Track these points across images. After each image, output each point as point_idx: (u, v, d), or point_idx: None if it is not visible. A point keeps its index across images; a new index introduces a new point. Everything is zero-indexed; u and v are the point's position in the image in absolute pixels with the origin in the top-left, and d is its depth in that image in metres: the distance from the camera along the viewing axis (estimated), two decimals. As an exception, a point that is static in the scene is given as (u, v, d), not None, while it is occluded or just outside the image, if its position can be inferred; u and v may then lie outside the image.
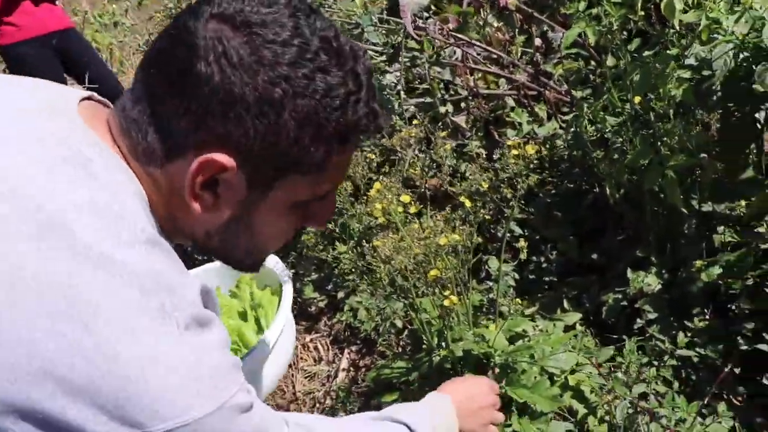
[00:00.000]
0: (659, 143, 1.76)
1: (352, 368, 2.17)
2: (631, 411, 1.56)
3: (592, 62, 2.08)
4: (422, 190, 1.66)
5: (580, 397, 1.65)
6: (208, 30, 0.77)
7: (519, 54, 2.41)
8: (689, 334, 1.73)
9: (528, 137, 2.27)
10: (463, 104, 2.44)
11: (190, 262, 1.80)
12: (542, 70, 2.33)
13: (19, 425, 0.70)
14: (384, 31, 2.33)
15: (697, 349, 1.73)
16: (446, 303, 1.47)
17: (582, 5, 1.77)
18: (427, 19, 2.31)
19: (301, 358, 2.25)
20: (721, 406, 1.53)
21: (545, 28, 2.42)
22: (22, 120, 0.80)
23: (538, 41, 2.41)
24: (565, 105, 2.37)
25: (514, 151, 1.48)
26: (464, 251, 1.52)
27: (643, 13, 1.73)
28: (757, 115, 1.65)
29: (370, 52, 2.26)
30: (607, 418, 1.62)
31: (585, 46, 2.06)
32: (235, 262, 0.97)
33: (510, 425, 1.54)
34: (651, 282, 1.86)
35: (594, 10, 1.76)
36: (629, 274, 1.88)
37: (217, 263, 1.68)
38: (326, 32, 0.80)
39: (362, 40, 2.27)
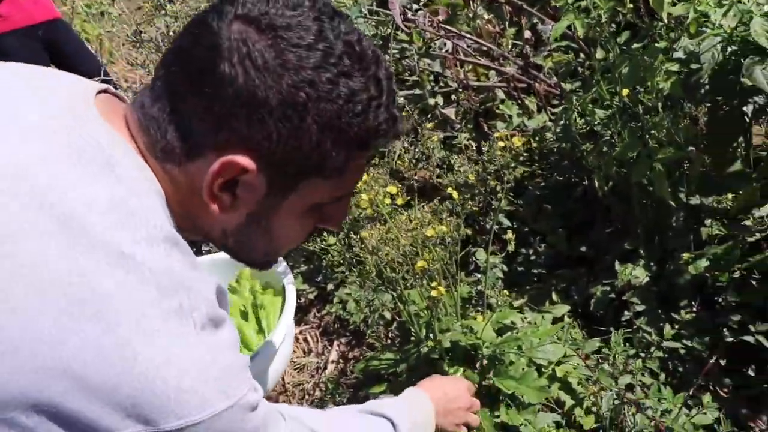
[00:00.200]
0: (647, 136, 1.76)
1: (341, 360, 2.17)
2: (617, 402, 1.57)
3: (582, 55, 2.08)
4: (411, 182, 1.66)
5: (568, 388, 1.66)
6: (232, 31, 0.76)
7: (509, 46, 2.40)
8: (676, 327, 1.74)
9: (518, 130, 2.27)
10: (453, 96, 2.44)
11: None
12: (532, 63, 2.33)
13: (32, 419, 0.70)
14: (373, 23, 2.32)
15: (684, 341, 1.74)
16: (434, 294, 1.47)
17: (571, -3, 1.77)
18: (416, 11, 2.31)
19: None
20: (707, 398, 1.54)
21: (535, 20, 2.42)
22: (41, 112, 0.79)
23: (527, 33, 2.41)
24: (554, 97, 2.37)
25: (501, 143, 1.48)
26: (452, 243, 1.52)
27: (631, 5, 1.74)
28: (744, 109, 1.66)
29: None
30: (593, 409, 1.63)
31: (574, 38, 2.06)
32: (249, 261, 0.98)
33: (498, 416, 1.55)
34: (639, 274, 1.86)
35: (583, 3, 1.75)
36: (617, 266, 1.89)
37: (218, 256, 1.68)
38: (350, 36, 0.80)
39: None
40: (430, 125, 2.03)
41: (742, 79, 1.55)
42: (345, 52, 0.78)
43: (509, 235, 1.59)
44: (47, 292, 0.69)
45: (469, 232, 2.18)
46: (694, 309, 1.78)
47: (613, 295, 1.92)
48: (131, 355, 0.70)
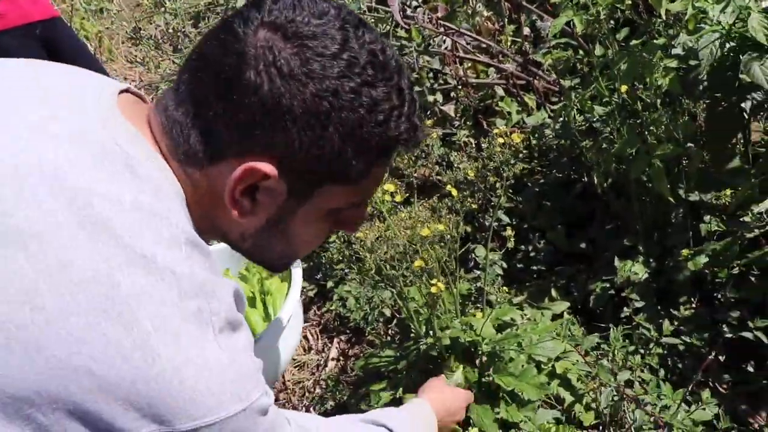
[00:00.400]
0: (646, 133, 1.76)
1: (341, 357, 2.18)
2: (616, 398, 1.57)
3: (581, 52, 2.08)
4: (410, 179, 1.66)
5: (567, 384, 1.66)
6: (258, 38, 0.77)
7: (508, 43, 2.41)
8: (675, 323, 1.74)
9: (517, 126, 2.27)
10: (452, 93, 2.44)
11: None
12: (531, 60, 2.33)
13: (49, 416, 0.71)
14: (372, 20, 2.32)
15: (683, 337, 1.74)
16: (433, 290, 1.47)
17: (570, -6, 1.77)
18: (415, 7, 2.31)
19: (291, 347, 2.25)
20: (706, 393, 1.55)
21: (534, 17, 2.42)
22: (66, 111, 0.80)
23: (526, 30, 2.41)
24: (554, 94, 2.37)
25: (500, 140, 1.49)
26: (451, 240, 1.52)
27: (630, 2, 1.74)
28: (743, 105, 1.66)
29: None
30: (593, 405, 1.64)
31: (573, 35, 2.06)
32: (266, 263, 0.99)
33: (498, 413, 1.55)
34: (638, 271, 1.87)
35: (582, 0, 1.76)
36: (617, 263, 1.90)
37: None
38: (374, 45, 0.80)
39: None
40: (429, 122, 2.03)
41: (741, 76, 1.56)
42: (369, 61, 0.79)
43: (509, 231, 1.59)
44: (72, 292, 0.70)
45: (469, 229, 2.19)
46: (693, 305, 1.78)
47: (612, 292, 1.93)
48: (150, 356, 0.71)
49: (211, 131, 0.79)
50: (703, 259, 1.77)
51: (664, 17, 1.68)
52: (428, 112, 2.35)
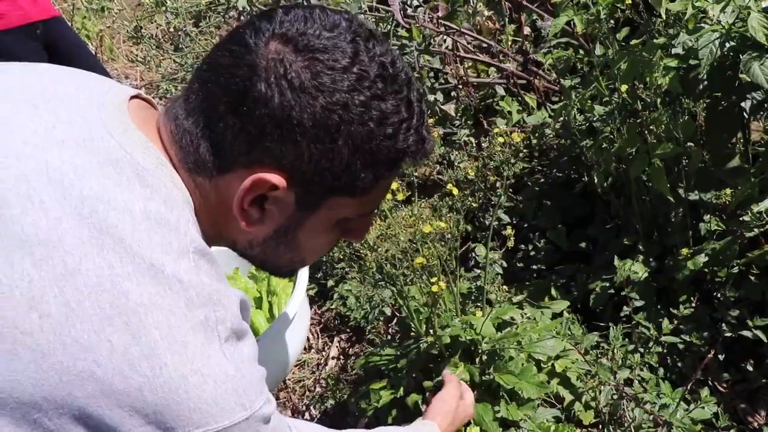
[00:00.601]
0: (646, 132, 1.77)
1: (341, 356, 2.18)
2: (615, 397, 1.58)
3: (581, 51, 2.08)
4: (411, 178, 1.67)
5: (567, 383, 1.66)
6: (269, 50, 0.77)
7: (509, 43, 2.41)
8: (675, 322, 1.74)
9: (517, 126, 2.28)
10: (453, 93, 2.45)
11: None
12: (532, 59, 2.34)
13: (54, 421, 0.72)
14: (373, 19, 2.33)
15: (683, 336, 1.75)
16: (434, 289, 1.48)
17: (570, -6, 1.77)
18: (416, 7, 2.31)
19: (291, 346, 2.26)
20: (705, 392, 1.55)
21: (535, 17, 2.42)
22: (74, 117, 0.80)
23: (527, 30, 2.41)
24: (554, 94, 2.37)
25: (500, 139, 1.49)
26: (452, 239, 1.53)
27: (630, 1, 1.74)
28: (743, 105, 1.66)
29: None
30: (593, 404, 1.64)
31: (574, 35, 2.06)
32: (273, 270, 1.00)
33: (498, 411, 1.56)
34: (638, 270, 1.87)
35: (582, -1, 1.76)
36: (616, 262, 1.90)
37: None
38: (384, 58, 0.80)
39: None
40: (430, 120, 2.03)
41: (741, 75, 1.56)
42: (379, 74, 0.79)
43: (509, 231, 1.59)
44: (77, 299, 0.71)
45: (469, 228, 2.19)
46: (693, 304, 1.78)
47: (612, 291, 1.93)
48: (157, 364, 0.72)
49: (221, 142, 0.80)
50: (702, 259, 1.77)
51: (664, 17, 1.68)
52: (429, 112, 2.35)
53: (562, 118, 2.02)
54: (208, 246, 0.81)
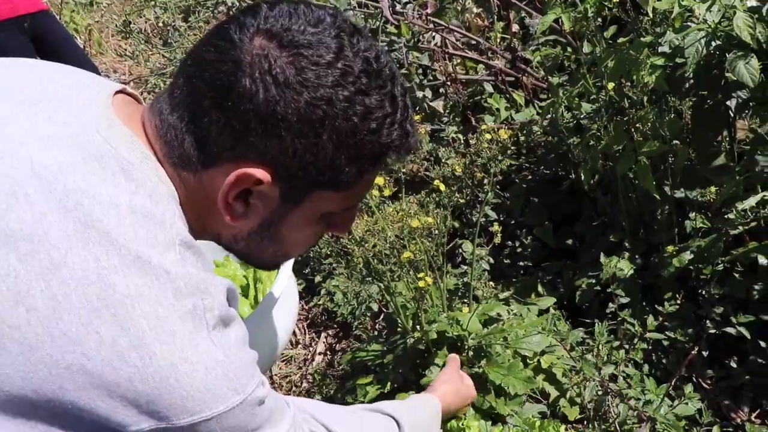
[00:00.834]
0: (633, 130, 1.78)
1: (328, 352, 2.18)
2: (600, 392, 1.59)
3: (569, 49, 2.09)
4: (399, 174, 1.67)
5: (552, 379, 1.67)
6: (254, 46, 0.77)
7: (498, 40, 2.41)
8: (660, 318, 1.76)
9: (505, 123, 2.28)
10: (441, 89, 2.45)
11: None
12: (520, 56, 2.35)
13: (46, 415, 0.73)
14: (362, 15, 2.33)
15: (667, 333, 1.76)
16: (420, 284, 1.48)
17: (558, -9, 1.78)
18: (405, 3, 2.31)
19: (278, 342, 2.25)
20: (689, 388, 1.56)
21: (523, 14, 2.43)
22: (60, 112, 0.80)
23: (515, 27, 2.42)
24: (542, 91, 2.38)
25: (487, 136, 1.49)
26: (439, 235, 1.53)
27: (617, 0, 1.75)
28: (728, 103, 1.67)
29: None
30: (578, 399, 1.65)
31: (562, 32, 2.07)
32: (258, 264, 1.01)
33: (489, 403, 1.56)
34: (624, 267, 1.88)
35: (570, -3, 1.77)
36: (602, 259, 1.91)
37: None
38: (368, 53, 0.81)
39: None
40: (418, 117, 2.03)
41: (726, 74, 1.57)
42: (363, 70, 0.79)
43: (496, 227, 1.60)
44: (64, 292, 0.71)
45: (456, 224, 2.20)
46: (678, 301, 1.80)
47: (598, 288, 1.94)
48: (147, 354, 0.73)
49: (206, 137, 0.80)
50: (687, 256, 1.78)
51: (651, 15, 1.69)
52: (417, 108, 2.35)
53: (549, 116, 2.03)
54: (194, 239, 0.81)
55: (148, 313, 0.73)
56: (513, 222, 2.27)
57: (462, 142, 2.30)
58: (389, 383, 1.64)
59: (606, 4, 1.76)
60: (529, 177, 2.35)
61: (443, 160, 1.72)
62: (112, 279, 0.72)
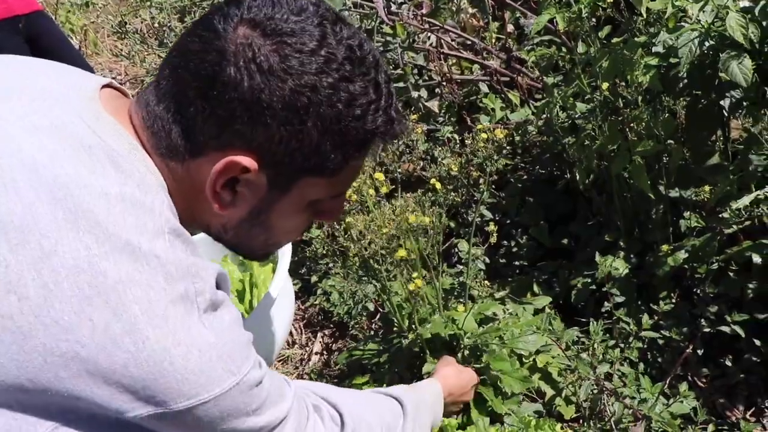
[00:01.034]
0: (628, 129, 1.78)
1: (325, 351, 2.18)
2: (595, 391, 1.59)
3: (564, 49, 2.10)
4: (395, 174, 1.67)
5: (548, 378, 1.68)
6: (238, 35, 0.78)
7: (493, 40, 2.42)
8: (655, 317, 1.76)
9: (501, 123, 2.29)
10: (436, 90, 2.45)
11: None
12: (515, 57, 2.35)
13: (43, 403, 0.74)
14: (357, 16, 2.33)
15: (662, 332, 1.77)
16: (411, 287, 1.49)
17: (553, -8, 1.78)
18: (401, 4, 2.32)
19: (275, 342, 2.26)
20: (684, 387, 1.57)
21: (518, 14, 2.44)
22: (48, 106, 0.81)
23: (510, 27, 2.42)
24: (537, 91, 2.39)
25: (483, 135, 1.50)
26: (434, 234, 1.53)
27: (611, 0, 1.75)
28: (722, 103, 1.68)
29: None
30: (573, 398, 1.66)
31: (556, 32, 2.08)
32: (248, 253, 1.02)
33: (486, 401, 1.56)
34: (619, 266, 1.89)
35: (564, -3, 1.78)
36: (598, 258, 1.91)
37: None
38: (351, 41, 0.82)
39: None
40: (414, 116, 2.04)
41: (720, 74, 1.58)
42: (346, 57, 0.81)
43: (491, 227, 1.60)
44: (57, 280, 0.72)
45: (452, 224, 2.20)
46: (673, 300, 1.80)
47: (593, 287, 1.95)
48: (140, 339, 0.73)
49: (192, 126, 0.81)
50: (682, 255, 1.79)
51: (644, 15, 1.70)
52: (412, 108, 2.36)
53: (544, 116, 2.04)
54: (183, 228, 0.82)
55: (139, 298, 0.74)
56: (509, 221, 2.27)
57: (457, 141, 2.30)
58: (385, 383, 1.65)
59: (600, 4, 1.76)
60: (525, 177, 2.36)
61: (439, 160, 1.72)
62: (102, 266, 0.73)
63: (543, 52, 2.06)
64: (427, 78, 2.46)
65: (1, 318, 0.71)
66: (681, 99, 1.78)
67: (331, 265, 2.16)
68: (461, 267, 2.10)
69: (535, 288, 2.05)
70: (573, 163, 2.00)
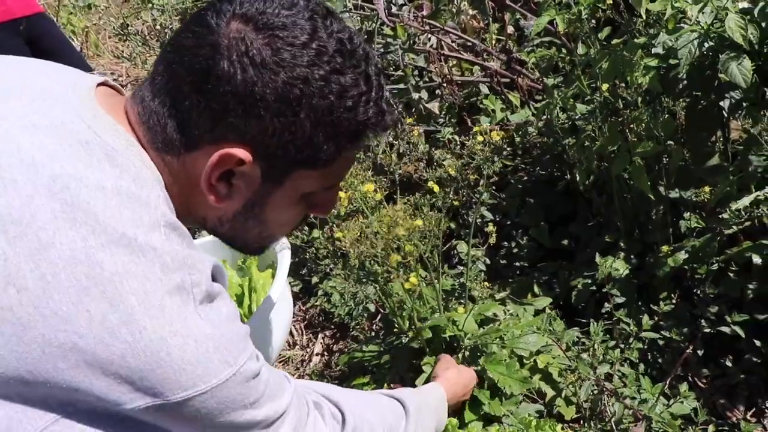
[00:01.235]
0: (627, 130, 1.79)
1: (325, 352, 2.19)
2: (595, 391, 1.59)
3: (564, 50, 2.10)
4: (394, 176, 1.68)
5: (548, 379, 1.68)
6: (231, 29, 0.80)
7: (493, 41, 2.42)
8: (655, 318, 1.76)
9: (501, 124, 2.29)
10: (437, 91, 2.46)
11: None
12: (515, 58, 2.35)
13: (43, 395, 0.74)
14: (358, 17, 2.33)
15: (663, 332, 1.77)
16: (406, 285, 1.49)
17: (552, -7, 1.79)
18: (401, 5, 2.32)
19: (276, 343, 2.26)
20: (684, 387, 1.57)
21: (518, 16, 2.44)
22: (46, 104, 0.83)
23: (510, 29, 2.43)
24: (537, 92, 2.39)
25: (480, 137, 1.50)
26: (434, 236, 1.54)
27: (611, 1, 1.76)
28: (721, 104, 1.68)
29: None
30: (574, 399, 1.66)
31: (556, 34, 2.08)
32: (243, 247, 1.03)
33: (483, 405, 1.57)
34: (619, 267, 1.89)
35: (564, -1, 1.78)
36: (598, 259, 1.92)
37: (208, 238, 1.71)
38: (341, 34, 0.83)
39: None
40: (410, 120, 2.04)
41: (719, 75, 1.58)
42: (337, 49, 0.82)
43: (491, 228, 1.61)
44: (55, 272, 0.73)
45: (453, 225, 2.20)
46: (673, 301, 1.80)
47: (594, 288, 1.95)
48: (137, 329, 0.74)
49: (187, 120, 0.82)
50: (682, 256, 1.79)
51: (644, 17, 1.70)
52: (413, 110, 2.36)
53: (544, 117, 2.04)
54: (179, 222, 0.83)
55: (136, 289, 0.74)
56: (509, 223, 2.28)
57: (458, 143, 2.30)
58: (386, 384, 1.65)
59: (600, 5, 1.76)
60: (525, 178, 2.36)
61: (439, 161, 1.72)
62: (99, 257, 0.74)
63: (543, 53, 2.06)
64: (427, 79, 2.47)
65: (1, 310, 0.72)
66: (681, 100, 1.78)
67: (331, 266, 2.17)
68: (462, 268, 2.10)
69: (536, 289, 2.05)
70: (573, 164, 2.00)
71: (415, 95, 2.30)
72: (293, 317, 2.32)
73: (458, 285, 1.93)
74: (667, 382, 1.60)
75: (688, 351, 1.63)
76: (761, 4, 1.49)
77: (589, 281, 1.96)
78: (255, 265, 1.72)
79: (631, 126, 1.77)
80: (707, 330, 1.75)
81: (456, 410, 1.55)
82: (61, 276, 0.72)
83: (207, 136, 0.82)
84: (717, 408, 1.72)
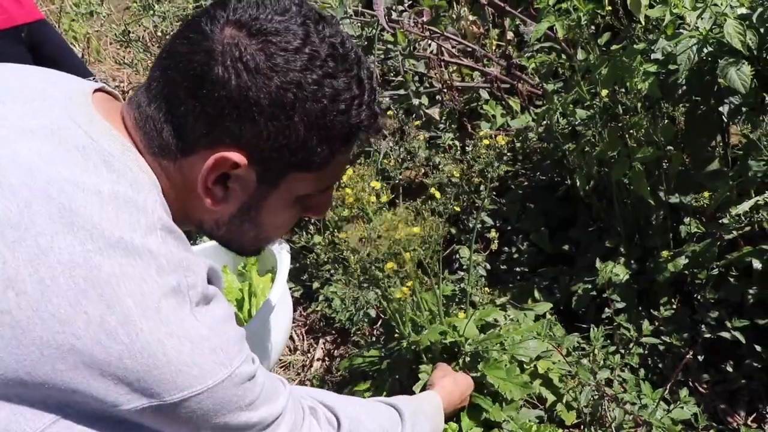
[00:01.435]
0: (627, 136, 1.79)
1: (326, 358, 2.19)
2: (596, 397, 1.59)
3: (563, 56, 2.11)
4: (396, 181, 1.68)
5: (549, 384, 1.68)
6: (225, 35, 0.81)
7: (493, 47, 2.43)
8: (655, 323, 1.76)
9: (501, 130, 2.29)
10: (437, 97, 2.46)
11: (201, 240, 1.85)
12: (515, 63, 2.36)
13: (42, 397, 0.75)
14: (359, 24, 2.34)
15: (663, 337, 1.77)
16: (397, 295, 1.50)
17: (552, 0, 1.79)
18: (401, 12, 2.33)
19: (277, 348, 2.26)
20: (684, 392, 1.57)
21: (518, 22, 2.45)
22: (43, 109, 0.84)
23: (510, 35, 2.43)
24: (537, 98, 2.40)
25: (485, 141, 1.51)
26: (434, 242, 1.54)
27: (610, 8, 1.76)
28: (721, 109, 1.69)
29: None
30: (574, 404, 1.66)
31: (556, 40, 2.09)
32: (239, 249, 1.04)
33: (485, 410, 1.57)
34: (619, 272, 1.89)
35: (564, 5, 1.78)
36: (598, 264, 1.92)
37: (208, 244, 1.71)
38: (334, 38, 0.85)
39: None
40: (416, 123, 2.05)
41: (718, 80, 1.58)
42: (329, 54, 0.83)
43: (492, 233, 1.61)
44: (53, 275, 0.74)
45: (453, 230, 2.21)
46: (673, 306, 1.80)
47: (594, 293, 1.95)
48: (133, 331, 0.75)
49: (183, 125, 0.83)
50: (682, 261, 1.79)
51: (643, 23, 1.70)
52: (413, 115, 2.36)
53: (545, 122, 2.05)
54: (176, 226, 0.85)
55: (133, 291, 0.76)
56: (509, 228, 2.28)
57: (458, 148, 2.31)
58: (386, 389, 1.65)
59: (599, 12, 1.77)
60: (525, 183, 2.37)
61: (440, 167, 1.73)
62: (97, 261, 0.75)
63: (543, 59, 2.07)
64: (427, 85, 2.47)
65: (0, 314, 0.73)
66: (680, 105, 1.79)
67: (332, 271, 2.17)
68: (462, 273, 2.10)
69: (536, 294, 2.05)
70: (573, 169, 2.01)
71: (416, 101, 2.31)
72: (294, 322, 2.32)
73: (459, 290, 1.93)
74: (668, 388, 1.60)
75: (688, 356, 1.63)
76: (759, 9, 1.50)
77: (590, 286, 1.96)
78: (255, 269, 1.72)
79: (631, 131, 1.78)
80: (708, 335, 1.75)
81: (452, 417, 1.55)
82: (59, 280, 0.74)
83: (203, 140, 0.83)
84: (718, 413, 1.72)
